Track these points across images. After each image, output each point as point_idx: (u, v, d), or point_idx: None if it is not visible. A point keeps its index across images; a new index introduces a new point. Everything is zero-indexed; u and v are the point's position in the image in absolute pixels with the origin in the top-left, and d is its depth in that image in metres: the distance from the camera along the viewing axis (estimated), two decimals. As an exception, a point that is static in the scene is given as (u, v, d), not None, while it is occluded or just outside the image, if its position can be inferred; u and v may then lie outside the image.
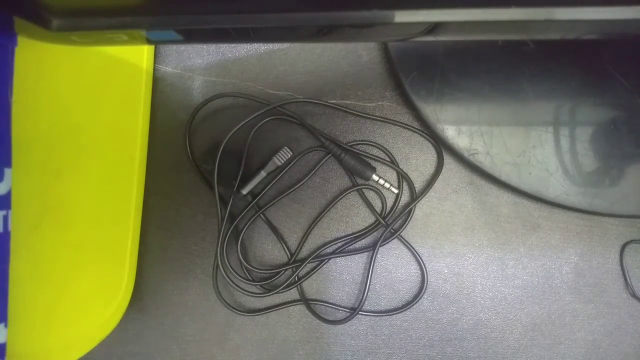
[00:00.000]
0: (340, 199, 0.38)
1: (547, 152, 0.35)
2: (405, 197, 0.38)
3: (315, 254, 0.38)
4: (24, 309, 0.32)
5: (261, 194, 0.38)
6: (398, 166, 0.38)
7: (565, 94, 0.35)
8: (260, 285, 0.38)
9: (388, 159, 0.38)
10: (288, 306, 0.38)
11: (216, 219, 0.37)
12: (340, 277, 0.38)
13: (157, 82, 0.39)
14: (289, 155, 0.37)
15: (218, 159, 0.36)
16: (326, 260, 0.38)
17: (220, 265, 0.37)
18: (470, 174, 0.38)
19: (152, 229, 0.39)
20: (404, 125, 0.38)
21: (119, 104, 0.37)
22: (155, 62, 0.39)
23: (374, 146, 0.38)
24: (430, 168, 0.38)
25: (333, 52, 0.39)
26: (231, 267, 0.38)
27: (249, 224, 0.37)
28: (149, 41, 0.23)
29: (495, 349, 0.38)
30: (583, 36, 0.23)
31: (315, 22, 0.20)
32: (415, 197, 0.38)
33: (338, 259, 0.38)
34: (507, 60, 0.35)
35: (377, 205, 0.38)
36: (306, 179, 0.38)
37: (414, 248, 0.38)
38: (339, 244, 0.38)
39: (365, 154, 0.38)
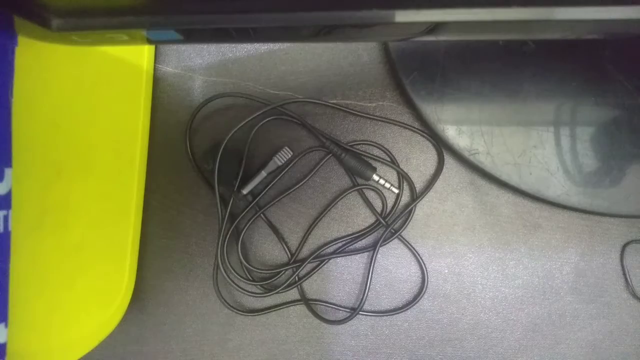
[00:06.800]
0: (341, 199, 0.38)
1: (547, 152, 0.35)
2: (405, 197, 0.38)
3: (316, 254, 0.38)
4: (24, 309, 0.32)
5: (262, 194, 0.38)
6: (398, 166, 0.38)
7: (566, 93, 0.35)
8: (261, 285, 0.38)
9: (388, 159, 0.38)
10: (288, 306, 0.38)
11: (216, 219, 0.37)
12: (340, 277, 0.38)
13: (158, 82, 0.39)
14: (290, 155, 0.37)
15: (218, 159, 0.36)
16: (326, 260, 0.38)
17: (221, 265, 0.37)
18: (470, 174, 0.38)
19: (152, 229, 0.39)
20: (405, 125, 0.38)
21: (119, 104, 0.37)
22: (155, 62, 0.39)
23: (374, 146, 0.38)
24: (430, 168, 0.38)
25: (333, 52, 0.39)
26: (231, 267, 0.38)
27: (249, 224, 0.37)
28: (149, 41, 0.23)
29: (495, 349, 0.38)
30: (584, 36, 0.23)
31: (316, 22, 0.20)
32: (415, 197, 0.38)
33: (338, 259, 0.38)
34: (508, 60, 0.35)
35: (378, 205, 0.38)
36: (307, 179, 0.38)
37: (414, 248, 0.38)
38: (340, 244, 0.38)
39: (366, 154, 0.38)
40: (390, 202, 0.38)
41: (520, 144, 0.35)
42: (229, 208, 0.37)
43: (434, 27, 0.20)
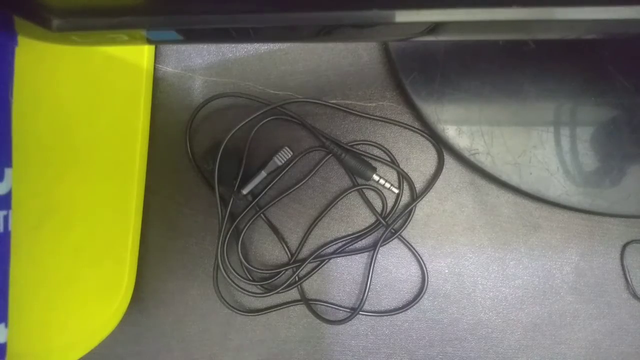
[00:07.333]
0: (341, 199, 0.38)
1: (547, 152, 0.35)
2: (405, 197, 0.38)
3: (316, 254, 0.38)
4: (24, 309, 0.32)
5: (262, 194, 0.38)
6: (398, 166, 0.38)
7: (566, 93, 0.35)
8: (261, 285, 0.38)
9: (388, 159, 0.38)
10: (288, 306, 0.38)
11: (217, 219, 0.37)
12: (340, 277, 0.38)
13: (158, 82, 0.39)
14: (290, 155, 0.37)
15: (218, 158, 0.36)
16: (327, 260, 0.38)
17: (221, 265, 0.37)
18: (470, 174, 0.38)
19: (152, 229, 0.39)
20: (405, 125, 0.38)
21: (120, 104, 0.37)
22: (155, 62, 0.39)
23: (374, 146, 0.38)
24: (430, 168, 0.38)
25: (333, 52, 0.39)
26: (232, 267, 0.38)
27: (249, 224, 0.37)
28: (149, 41, 0.23)
29: (495, 349, 0.38)
30: (584, 36, 0.23)
31: (316, 22, 0.20)
32: (415, 197, 0.38)
33: (338, 259, 0.38)
34: (508, 60, 0.35)
35: (378, 205, 0.38)
36: (307, 179, 0.38)
37: (414, 248, 0.38)
38: (340, 244, 0.38)
39: (366, 154, 0.38)
40: (390, 202, 0.38)
41: (520, 144, 0.35)
42: (229, 208, 0.37)
43: (434, 27, 0.20)
